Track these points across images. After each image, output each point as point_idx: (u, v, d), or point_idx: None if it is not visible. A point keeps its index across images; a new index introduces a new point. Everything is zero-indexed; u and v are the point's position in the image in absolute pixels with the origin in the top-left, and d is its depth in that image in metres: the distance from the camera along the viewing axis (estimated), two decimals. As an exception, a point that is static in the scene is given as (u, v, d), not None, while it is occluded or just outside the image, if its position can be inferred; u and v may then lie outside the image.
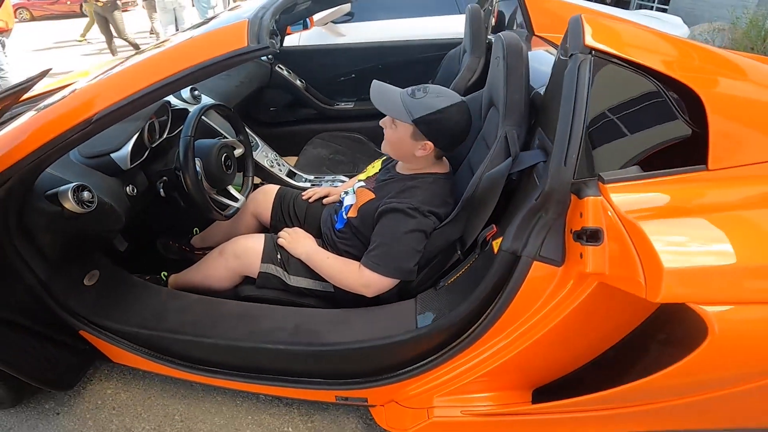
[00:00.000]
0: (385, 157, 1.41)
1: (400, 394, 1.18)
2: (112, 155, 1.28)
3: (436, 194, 1.15)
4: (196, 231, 1.69)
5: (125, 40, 5.60)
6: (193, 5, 5.11)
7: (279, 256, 1.28)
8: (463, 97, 1.13)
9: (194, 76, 0.97)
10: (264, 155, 1.79)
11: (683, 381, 0.84)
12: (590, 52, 0.85)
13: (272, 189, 1.57)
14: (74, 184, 1.11)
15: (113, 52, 5.79)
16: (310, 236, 1.33)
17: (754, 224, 0.78)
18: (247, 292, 1.33)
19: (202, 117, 1.61)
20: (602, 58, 0.85)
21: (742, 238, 0.74)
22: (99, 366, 1.54)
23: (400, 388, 1.17)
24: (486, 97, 1.27)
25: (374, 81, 1.14)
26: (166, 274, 1.50)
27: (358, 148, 2.24)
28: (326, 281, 1.25)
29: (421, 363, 1.11)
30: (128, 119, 1.34)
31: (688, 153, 0.88)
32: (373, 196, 1.22)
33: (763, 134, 0.85)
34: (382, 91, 1.13)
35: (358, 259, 1.18)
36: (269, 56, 2.28)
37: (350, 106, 2.41)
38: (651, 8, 6.60)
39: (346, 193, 1.38)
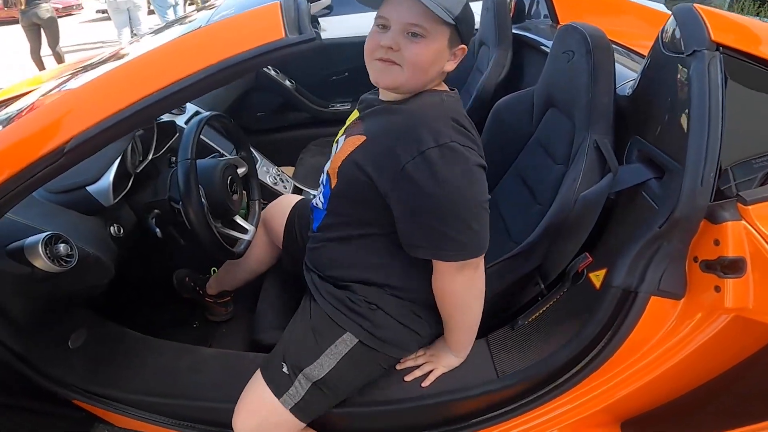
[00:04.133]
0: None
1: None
2: (88, 188, 1.01)
3: (460, 115, 0.77)
4: (213, 271, 1.42)
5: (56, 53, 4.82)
6: (150, 5, 4.62)
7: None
8: None
9: (211, 81, 0.72)
10: (265, 171, 1.55)
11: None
12: (717, 49, 0.71)
13: (288, 201, 1.23)
14: (44, 234, 0.83)
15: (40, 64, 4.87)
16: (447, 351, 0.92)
17: None
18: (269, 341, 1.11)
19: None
20: (733, 56, 0.71)
21: None
22: (97, 425, 1.23)
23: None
24: (541, 96, 1.11)
25: None
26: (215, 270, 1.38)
27: (359, 154, 2.03)
28: None
29: (501, 411, 0.95)
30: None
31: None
32: (362, 138, 0.78)
33: None
34: None
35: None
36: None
37: (347, 107, 2.18)
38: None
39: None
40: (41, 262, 0.82)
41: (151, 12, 4.78)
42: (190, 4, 6.28)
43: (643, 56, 1.07)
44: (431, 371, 0.91)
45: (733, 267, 0.70)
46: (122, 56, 1.10)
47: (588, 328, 0.81)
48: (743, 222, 0.69)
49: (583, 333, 0.82)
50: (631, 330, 0.79)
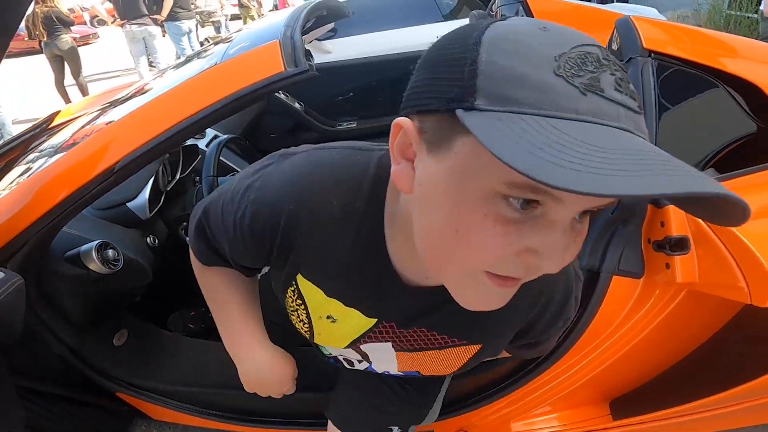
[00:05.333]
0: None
1: (471, 421, 1.13)
2: (128, 204, 1.19)
3: None
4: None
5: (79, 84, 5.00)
6: (164, 35, 4.92)
7: None
8: None
9: (227, 109, 0.90)
10: (279, 186, 1.71)
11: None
12: (649, 55, 0.82)
13: None
14: (96, 242, 1.02)
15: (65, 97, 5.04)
16: None
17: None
18: None
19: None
20: (663, 60, 0.83)
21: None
22: (136, 421, 1.44)
23: (470, 417, 1.11)
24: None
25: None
26: None
27: (366, 168, 2.17)
28: None
29: (493, 390, 1.05)
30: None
31: (756, 151, 0.86)
32: (470, 347, 0.60)
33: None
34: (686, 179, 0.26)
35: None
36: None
37: (353, 125, 2.34)
38: (626, 1, 6.52)
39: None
40: (94, 265, 0.99)
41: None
42: (201, 27, 6.51)
43: None
44: None
45: (679, 245, 0.79)
46: (148, 91, 1.27)
47: None
48: (683, 205, 0.80)
49: None
50: (598, 307, 0.88)
